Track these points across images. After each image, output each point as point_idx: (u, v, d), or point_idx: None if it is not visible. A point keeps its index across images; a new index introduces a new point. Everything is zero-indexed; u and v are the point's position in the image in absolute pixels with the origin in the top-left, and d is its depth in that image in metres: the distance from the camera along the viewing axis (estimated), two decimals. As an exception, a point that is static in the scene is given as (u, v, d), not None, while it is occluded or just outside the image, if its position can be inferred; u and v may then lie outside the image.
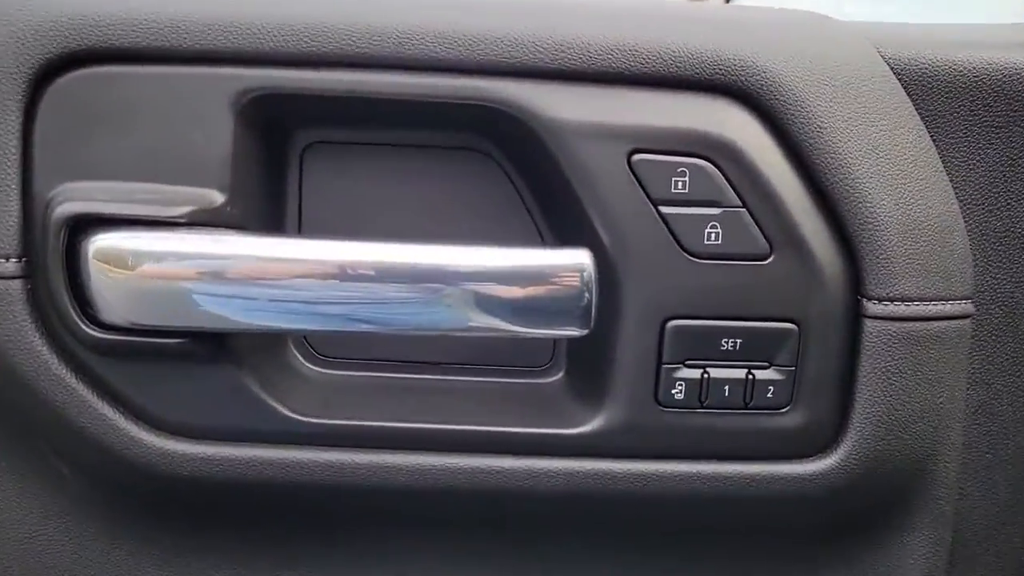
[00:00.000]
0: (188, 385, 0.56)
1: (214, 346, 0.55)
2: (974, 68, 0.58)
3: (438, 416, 0.59)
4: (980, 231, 0.60)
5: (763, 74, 0.54)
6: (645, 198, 0.54)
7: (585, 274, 0.53)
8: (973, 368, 0.62)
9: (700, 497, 0.59)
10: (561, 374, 0.62)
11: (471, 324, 0.54)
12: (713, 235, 0.55)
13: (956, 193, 0.59)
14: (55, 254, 0.52)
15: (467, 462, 0.58)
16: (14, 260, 0.53)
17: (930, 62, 0.58)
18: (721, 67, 0.54)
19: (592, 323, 0.54)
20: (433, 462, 0.58)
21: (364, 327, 0.54)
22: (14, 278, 0.53)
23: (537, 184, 0.58)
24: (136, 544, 0.65)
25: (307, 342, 0.62)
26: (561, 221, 0.58)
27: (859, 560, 0.64)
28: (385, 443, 0.58)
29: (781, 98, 0.54)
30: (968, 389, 0.62)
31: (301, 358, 0.62)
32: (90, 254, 0.52)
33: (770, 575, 0.66)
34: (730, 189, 0.54)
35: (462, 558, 0.66)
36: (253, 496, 0.60)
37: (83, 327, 0.53)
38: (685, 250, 0.55)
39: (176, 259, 0.52)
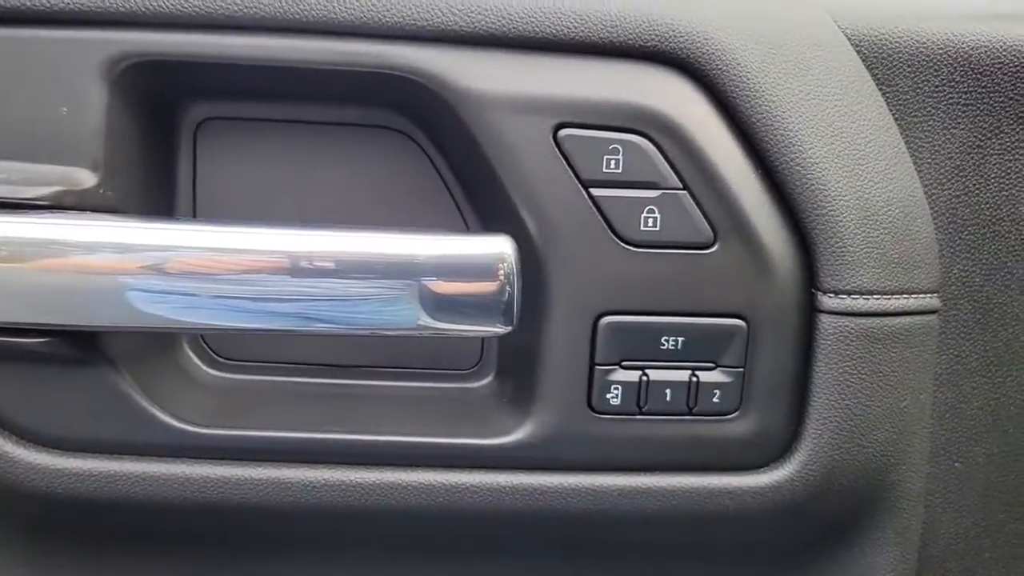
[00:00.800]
0: (58, 391, 0.49)
1: (86, 346, 0.49)
2: (940, 41, 0.53)
3: (350, 426, 0.52)
4: (948, 218, 0.55)
5: (705, 41, 0.48)
6: (574, 179, 0.48)
7: (507, 264, 0.47)
8: (941, 368, 0.57)
9: (640, 513, 0.53)
10: (490, 378, 0.56)
11: (380, 322, 0.48)
12: (651, 220, 0.49)
13: (921, 177, 0.54)
14: None
15: (380, 477, 0.52)
16: None
17: (892, 34, 0.53)
18: (657, 32, 0.48)
19: (515, 320, 0.48)
20: (343, 477, 0.52)
21: (259, 325, 0.47)
22: None
23: (457, 164, 0.52)
24: (26, 564, 0.58)
25: (204, 342, 0.55)
26: (484, 205, 0.52)
27: (821, 579, 0.59)
28: (290, 456, 0.52)
29: (726, 68, 0.48)
30: (935, 391, 0.56)
31: (196, 360, 0.55)
32: (-65, 241, 0.45)
33: None
34: (669, 169, 0.48)
35: None
36: (144, 515, 0.53)
37: None
38: (619, 237, 0.49)
39: (37, 246, 0.45)
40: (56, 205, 0.46)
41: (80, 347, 0.48)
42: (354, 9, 0.47)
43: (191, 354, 0.55)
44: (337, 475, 0.51)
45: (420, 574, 0.59)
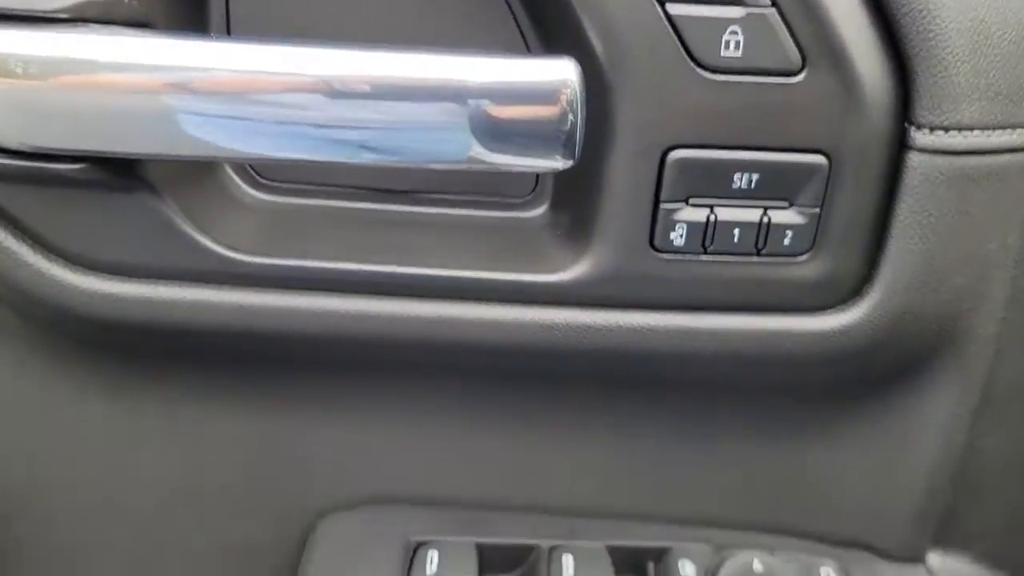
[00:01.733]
0: (99, 217, 0.48)
1: (124, 172, 0.46)
2: None
3: (400, 256, 0.50)
4: None
5: None
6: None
7: (570, 90, 0.43)
8: None
9: (700, 353, 0.51)
10: (544, 208, 0.53)
11: (429, 152, 0.45)
12: (732, 43, 0.43)
13: None
14: None
15: (439, 310, 0.51)
16: None
17: None
18: None
19: (578, 153, 0.44)
20: (388, 308, 0.50)
21: (298, 154, 0.44)
22: None
23: None
24: (84, 379, 0.59)
25: (248, 164, 0.53)
26: (547, 24, 0.47)
27: (873, 417, 0.58)
28: (334, 285, 0.50)
29: None
30: None
31: (239, 181, 0.53)
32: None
33: (770, 432, 0.60)
34: None
35: (434, 398, 0.61)
36: (186, 340, 0.53)
37: None
38: (696, 62, 0.44)
39: (62, 64, 0.42)
40: (78, 17, 0.42)
41: (118, 173, 0.46)
42: None
43: (234, 175, 0.52)
44: (382, 306, 0.50)
45: (464, 409, 0.60)
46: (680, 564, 0.60)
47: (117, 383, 0.59)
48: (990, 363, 0.55)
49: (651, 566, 0.62)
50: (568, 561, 0.59)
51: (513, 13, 0.48)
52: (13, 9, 0.42)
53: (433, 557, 0.59)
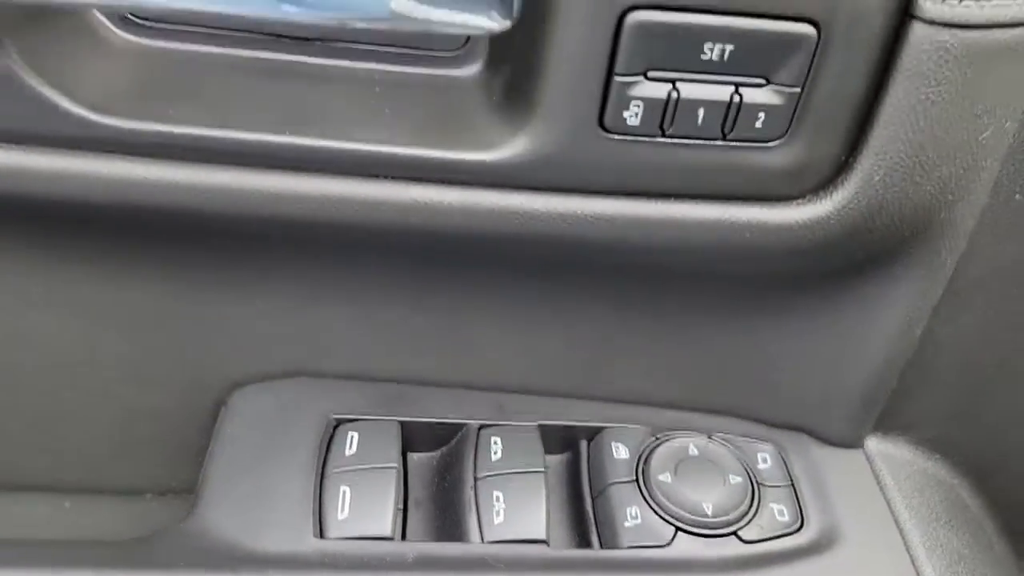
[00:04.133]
0: None
1: None
2: None
3: (304, 123, 0.42)
4: None
5: None
6: None
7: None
8: None
9: (649, 244, 0.45)
10: (477, 68, 0.45)
11: (345, 7, 0.36)
12: None
13: None
14: None
15: (349, 190, 0.43)
16: None
17: None
18: None
19: (517, 11, 0.36)
20: (298, 187, 0.43)
21: (190, 3, 0.35)
22: None
23: None
24: None
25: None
26: None
27: (831, 310, 0.54)
28: (229, 158, 0.42)
29: None
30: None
31: (107, 22, 0.43)
32: None
33: (722, 319, 0.56)
34: None
35: (355, 270, 0.54)
36: (60, 210, 0.45)
37: None
38: None
39: None
40: None
41: None
42: None
43: (99, 13, 0.43)
44: (283, 183, 0.43)
45: (390, 283, 0.54)
46: (613, 446, 0.57)
47: (8, 243, 0.51)
48: (962, 255, 0.51)
49: (583, 445, 0.59)
50: (497, 442, 0.56)
51: None
52: None
53: (353, 438, 0.55)
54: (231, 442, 0.57)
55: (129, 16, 0.43)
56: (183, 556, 0.49)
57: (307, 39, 0.44)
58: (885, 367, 0.56)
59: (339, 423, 0.57)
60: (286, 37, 0.44)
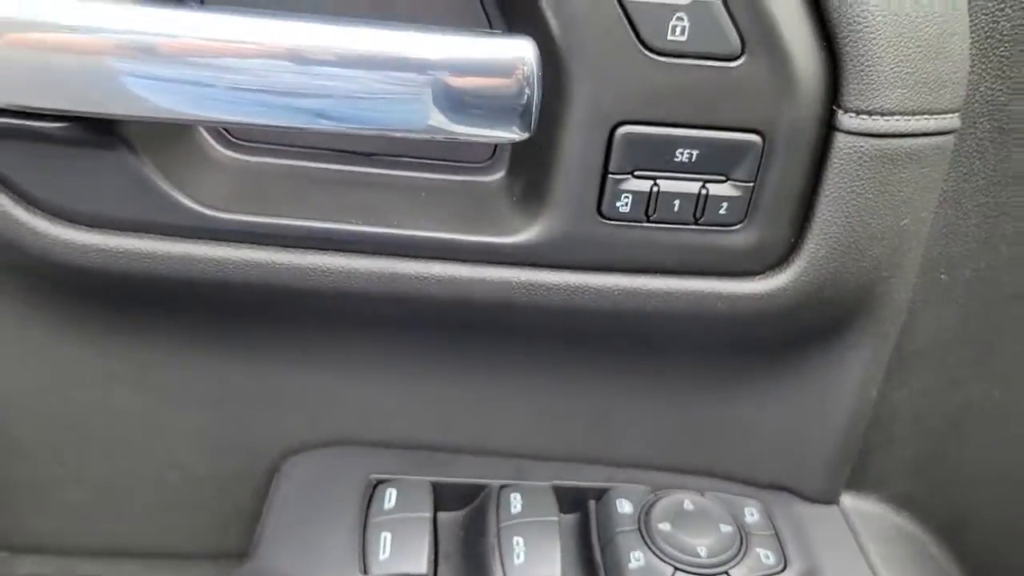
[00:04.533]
0: (79, 172, 0.50)
1: (104, 130, 0.49)
2: None
3: (363, 214, 0.54)
4: (986, 32, 0.53)
5: None
6: None
7: (528, 66, 0.46)
8: (947, 186, 0.57)
9: (641, 312, 0.56)
10: (502, 174, 0.57)
11: (391, 120, 0.48)
12: (679, 28, 0.47)
13: None
14: None
15: (399, 267, 0.54)
16: None
17: None
18: None
19: (534, 126, 0.48)
20: (362, 266, 0.54)
21: (266, 120, 0.47)
22: None
23: None
24: (66, 325, 0.62)
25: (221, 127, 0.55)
26: (509, 5, 0.50)
27: (795, 372, 0.63)
28: (302, 242, 0.53)
29: None
30: (936, 208, 0.58)
31: (213, 142, 0.55)
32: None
33: (703, 383, 0.65)
34: None
35: (395, 349, 0.65)
36: (162, 291, 0.56)
37: None
38: (645, 45, 0.47)
39: (52, 28, 0.44)
40: None
41: (98, 131, 0.49)
42: None
43: (207, 135, 0.55)
44: (345, 262, 0.54)
45: (424, 358, 0.64)
46: (618, 503, 0.65)
47: (92, 327, 0.62)
48: (902, 325, 0.61)
49: (592, 504, 0.67)
50: (516, 499, 0.64)
51: None
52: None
53: (392, 494, 0.64)
54: (285, 501, 0.65)
55: (228, 136, 0.56)
56: None
57: (367, 154, 0.57)
58: (848, 429, 0.65)
59: (379, 482, 0.65)
60: (349, 152, 0.57)
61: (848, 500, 0.69)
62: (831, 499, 0.69)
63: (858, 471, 0.68)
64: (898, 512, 0.70)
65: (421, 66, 0.46)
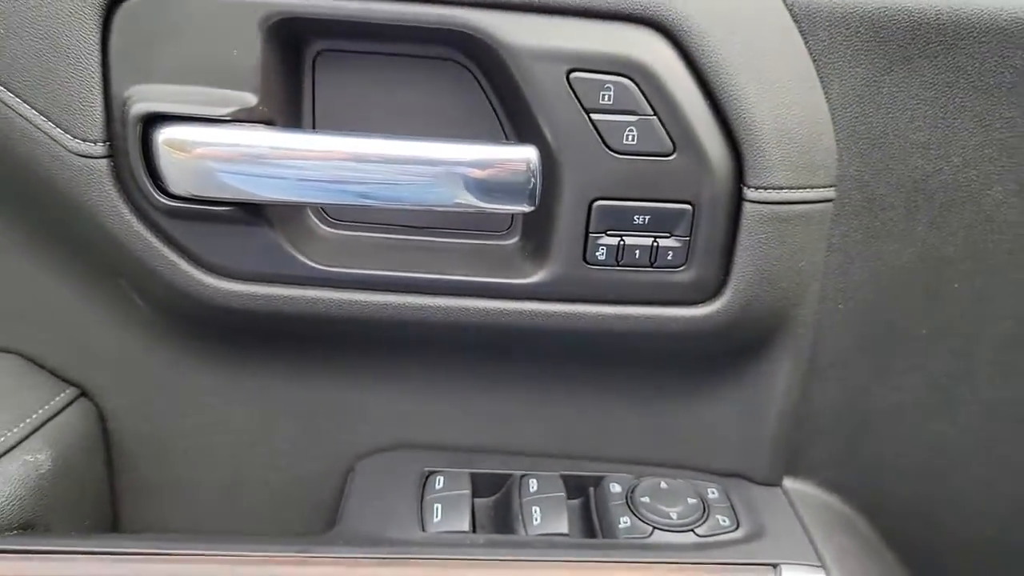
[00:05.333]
0: (234, 240, 0.75)
1: (253, 212, 0.73)
2: (850, 3, 0.73)
3: (424, 267, 0.78)
4: (848, 132, 0.77)
5: (674, 10, 0.69)
6: (580, 107, 0.71)
7: (532, 164, 0.71)
8: (833, 238, 0.80)
9: (617, 332, 0.79)
10: (517, 238, 0.81)
11: (446, 199, 0.72)
12: (630, 136, 0.72)
13: (829, 103, 0.75)
14: (135, 142, 0.69)
15: (446, 302, 0.78)
16: (101, 144, 0.70)
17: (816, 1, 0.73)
18: (641, 4, 0.69)
19: (537, 201, 0.72)
20: (420, 302, 0.77)
21: (366, 201, 0.72)
22: (101, 158, 0.71)
23: (500, 93, 0.74)
24: (205, 359, 0.86)
25: (323, 210, 0.80)
26: (518, 123, 0.75)
27: (736, 381, 0.85)
28: (381, 287, 0.77)
29: (688, 30, 0.70)
30: (827, 254, 0.81)
31: (318, 222, 0.80)
32: (160, 142, 0.69)
33: (669, 393, 0.87)
34: (645, 101, 0.71)
35: (440, 374, 0.87)
36: (288, 323, 0.80)
37: (156, 196, 0.71)
38: (609, 148, 0.72)
39: (223, 147, 0.69)
40: (234, 119, 0.70)
41: (249, 212, 0.73)
42: None
43: (314, 216, 0.80)
44: (417, 300, 0.77)
45: (463, 379, 0.87)
46: (611, 486, 0.86)
47: (222, 361, 0.85)
48: (812, 341, 0.83)
49: (591, 490, 0.88)
50: (533, 483, 0.86)
51: (499, 117, 0.76)
52: (195, 113, 0.69)
53: (441, 479, 0.86)
54: (359, 489, 0.87)
55: (327, 217, 0.80)
56: (332, 539, 0.78)
57: (423, 227, 0.81)
58: (779, 424, 0.86)
59: (430, 473, 0.87)
60: (409, 226, 0.81)
61: (789, 483, 0.90)
62: (775, 482, 0.89)
63: (796, 460, 0.89)
64: (829, 493, 0.90)
65: (462, 164, 0.71)
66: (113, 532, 0.90)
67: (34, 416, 0.80)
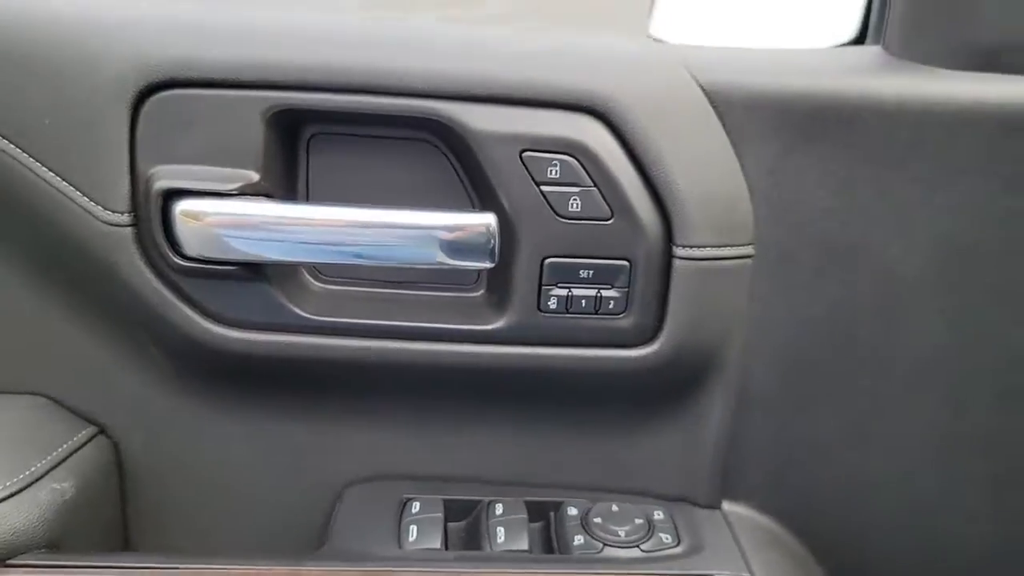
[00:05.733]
0: (239, 295, 0.87)
1: (255, 271, 0.86)
2: (759, 88, 0.87)
3: (402, 316, 0.90)
4: (763, 199, 0.90)
5: (609, 100, 0.83)
6: (532, 181, 0.84)
7: (491, 227, 0.84)
8: (754, 289, 0.93)
9: (568, 371, 0.91)
10: (482, 291, 0.93)
11: (420, 258, 0.85)
12: (575, 204, 0.85)
13: (746, 175, 0.89)
14: (156, 213, 0.82)
15: (420, 347, 0.90)
16: (127, 215, 0.83)
17: (728, 83, 0.87)
18: (581, 96, 0.83)
19: (496, 259, 0.85)
20: (398, 346, 0.90)
21: (352, 260, 0.85)
22: (126, 226, 0.83)
23: (465, 169, 0.87)
24: (210, 400, 0.97)
25: (315, 268, 0.93)
26: (481, 193, 0.88)
27: (677, 415, 0.98)
28: (365, 334, 0.90)
29: (621, 116, 0.83)
30: (750, 303, 0.93)
31: (311, 278, 0.93)
32: (178, 212, 0.82)
33: (618, 426, 0.99)
34: (586, 176, 0.84)
35: (416, 412, 0.99)
36: (284, 367, 0.92)
37: (172, 258, 0.84)
38: (557, 214, 0.85)
39: (232, 216, 0.82)
40: (241, 193, 0.83)
41: (251, 271, 0.86)
42: (410, 82, 0.82)
43: (307, 274, 0.92)
44: (391, 345, 0.90)
45: (433, 416, 0.98)
46: (568, 509, 0.98)
47: (226, 399, 0.97)
48: (740, 379, 0.96)
49: (552, 513, 0.99)
50: (499, 507, 0.97)
51: (465, 188, 0.89)
52: (207, 188, 0.82)
53: (417, 504, 0.97)
54: (345, 514, 0.98)
55: (319, 273, 0.93)
56: (321, 555, 0.89)
57: (401, 281, 0.93)
58: (715, 453, 0.98)
59: (408, 500, 0.98)
60: (389, 281, 0.93)
61: (728, 506, 1.01)
62: (715, 505, 1.01)
63: (734, 485, 1.01)
64: (764, 515, 1.02)
65: (433, 228, 0.84)
66: (124, 551, 1.00)
67: (59, 450, 0.91)
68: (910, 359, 0.95)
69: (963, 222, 0.89)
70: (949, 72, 0.87)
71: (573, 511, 0.97)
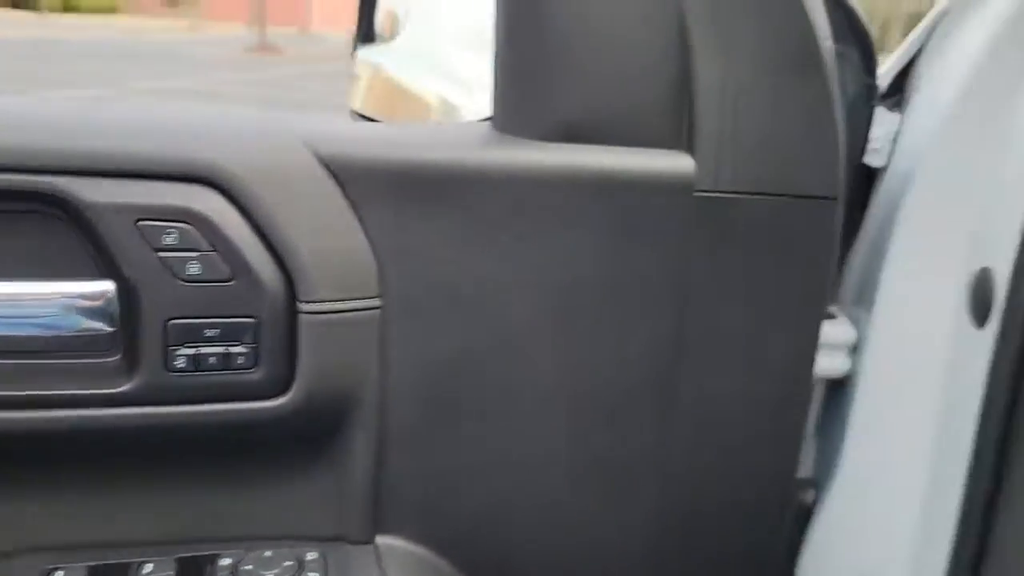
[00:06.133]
0: None
1: None
2: (374, 158, 0.96)
3: (33, 386, 0.90)
4: (389, 253, 0.99)
5: (222, 170, 0.89)
6: (149, 248, 0.88)
7: (110, 294, 0.87)
8: (386, 336, 1.01)
9: (204, 426, 0.95)
10: (119, 355, 0.95)
11: (42, 327, 0.86)
12: (194, 268, 0.90)
13: (371, 235, 0.97)
14: None
15: (51, 414, 0.90)
16: None
17: (344, 153, 0.96)
18: (195, 167, 0.89)
19: (117, 323, 0.88)
20: (30, 415, 0.89)
21: None
22: None
23: (88, 239, 0.90)
24: None
25: None
26: (105, 261, 0.91)
27: (323, 457, 1.04)
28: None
29: (235, 185, 0.90)
30: (383, 348, 1.01)
31: None
32: None
33: (269, 473, 1.04)
34: (204, 241, 0.90)
35: (57, 480, 0.99)
36: None
37: None
38: (177, 277, 0.90)
39: None
40: None
41: None
42: (26, 158, 0.84)
43: None
44: (24, 415, 0.89)
45: (79, 471, 0.99)
46: (221, 560, 1.01)
47: None
48: (379, 418, 1.04)
49: (208, 567, 1.02)
50: (148, 567, 0.98)
51: (91, 257, 0.91)
52: None
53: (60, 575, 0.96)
54: None
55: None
56: None
57: (34, 350, 0.93)
58: (363, 489, 1.05)
59: (51, 570, 0.97)
60: (24, 351, 0.93)
61: (381, 539, 1.08)
62: (369, 540, 1.08)
63: (386, 518, 1.08)
64: (417, 545, 1.10)
65: (52, 296, 0.85)
66: None
67: None
68: (531, 390, 1.08)
69: (565, 269, 1.03)
70: (540, 144, 1.01)
71: (226, 562, 1.01)
